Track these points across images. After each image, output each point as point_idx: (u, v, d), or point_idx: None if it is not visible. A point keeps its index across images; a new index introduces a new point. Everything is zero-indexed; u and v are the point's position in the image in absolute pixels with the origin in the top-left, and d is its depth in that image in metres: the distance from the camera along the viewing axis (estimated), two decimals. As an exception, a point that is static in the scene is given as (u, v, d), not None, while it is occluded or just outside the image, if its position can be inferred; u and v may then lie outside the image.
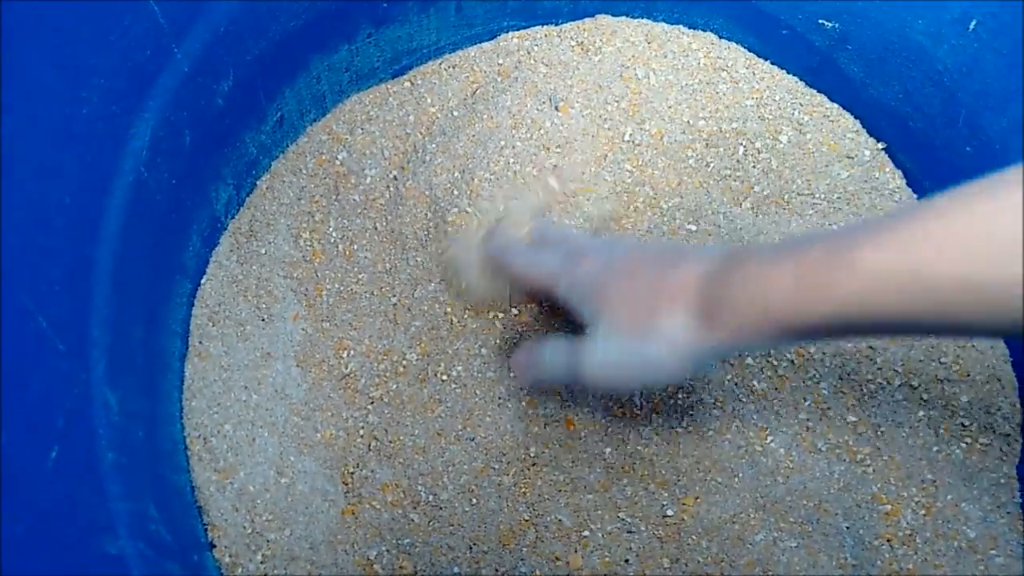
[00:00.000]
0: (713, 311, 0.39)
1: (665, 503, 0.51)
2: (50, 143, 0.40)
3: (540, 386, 0.52)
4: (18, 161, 0.38)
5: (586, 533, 0.50)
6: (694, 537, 0.51)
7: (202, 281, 0.56)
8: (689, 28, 0.64)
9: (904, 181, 0.60)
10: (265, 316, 0.55)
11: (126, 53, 0.44)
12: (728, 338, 0.39)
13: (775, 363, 0.55)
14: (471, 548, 0.50)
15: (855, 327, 0.35)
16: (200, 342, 0.54)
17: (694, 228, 0.57)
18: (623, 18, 0.64)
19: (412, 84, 0.62)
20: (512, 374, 0.52)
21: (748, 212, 0.58)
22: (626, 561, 0.50)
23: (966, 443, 0.53)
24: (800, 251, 0.36)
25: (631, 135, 0.59)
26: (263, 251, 0.57)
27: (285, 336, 0.55)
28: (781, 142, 0.60)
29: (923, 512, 0.52)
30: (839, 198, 0.59)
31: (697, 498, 0.51)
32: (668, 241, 0.47)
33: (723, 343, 0.39)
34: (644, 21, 0.64)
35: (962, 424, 0.54)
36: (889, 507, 0.52)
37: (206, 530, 0.49)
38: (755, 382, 0.54)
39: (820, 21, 0.60)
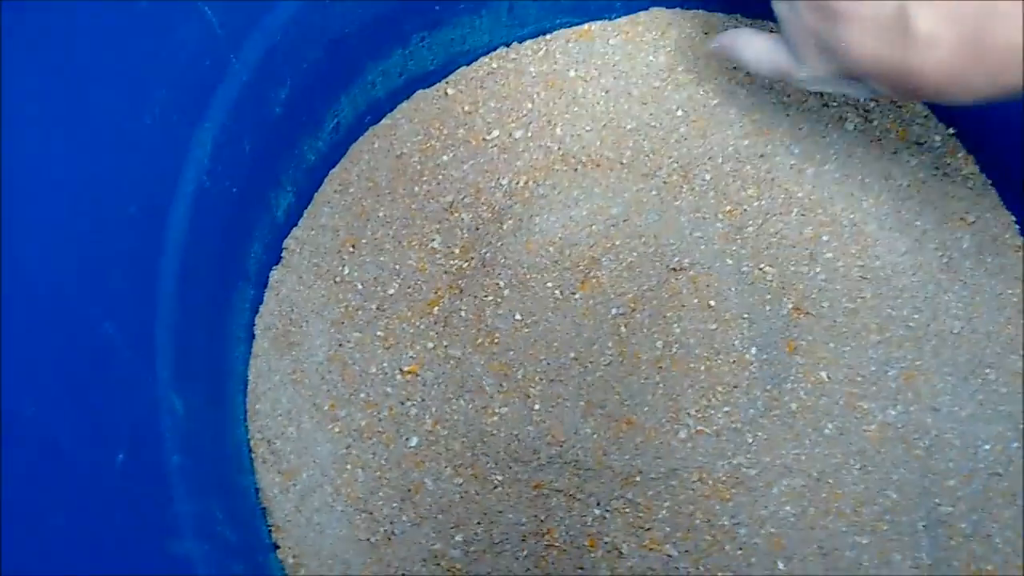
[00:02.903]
0: None
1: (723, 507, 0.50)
2: (114, 154, 0.42)
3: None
4: (84, 172, 0.39)
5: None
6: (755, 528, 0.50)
7: (266, 287, 0.57)
8: (746, 17, 0.63)
9: (978, 167, 0.58)
10: (329, 320, 0.55)
11: (185, 64, 0.45)
12: None
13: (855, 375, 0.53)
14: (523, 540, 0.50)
15: None
16: (264, 346, 0.55)
17: (759, 203, 0.57)
18: (677, 10, 0.63)
19: (467, 82, 0.62)
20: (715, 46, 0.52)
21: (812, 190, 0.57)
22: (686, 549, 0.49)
23: (1049, 439, 0.51)
24: None
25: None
26: (324, 256, 0.57)
27: (346, 340, 0.55)
28: (847, 129, 0.58)
29: (1005, 513, 0.50)
30: (909, 185, 0.57)
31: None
32: None
33: None
34: (699, 12, 0.62)
35: (1045, 419, 0.51)
36: (968, 507, 0.50)
37: (270, 531, 0.50)
38: (824, 373, 0.53)
39: (884, 4, 0.58)
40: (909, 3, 0.38)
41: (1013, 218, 0.56)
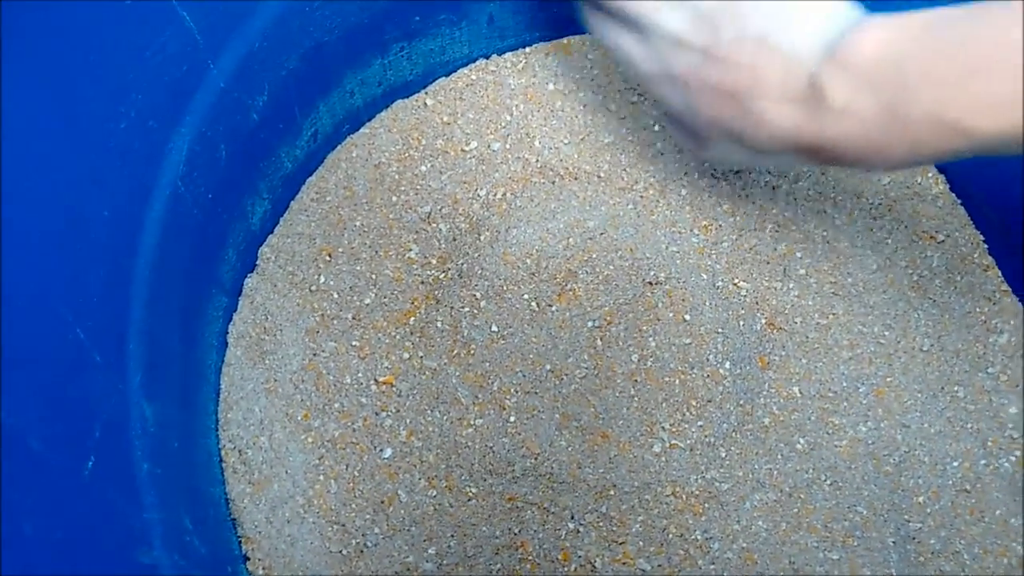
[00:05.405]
0: None
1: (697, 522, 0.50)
2: (88, 157, 0.41)
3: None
4: (57, 175, 0.39)
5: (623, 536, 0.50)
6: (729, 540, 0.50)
7: (241, 295, 0.56)
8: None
9: (947, 186, 0.59)
10: (304, 329, 0.55)
11: (163, 69, 0.45)
12: None
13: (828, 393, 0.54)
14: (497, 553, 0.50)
15: None
16: (237, 355, 0.54)
17: (734, 218, 0.57)
18: (656, 27, 0.63)
19: (446, 93, 0.62)
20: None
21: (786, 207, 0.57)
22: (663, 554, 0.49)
23: (1015, 456, 0.52)
24: None
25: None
26: (300, 265, 0.57)
27: (321, 350, 0.55)
28: (819, 149, 0.59)
29: (972, 529, 0.50)
30: (881, 204, 0.58)
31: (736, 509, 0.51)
32: None
33: None
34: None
35: (1011, 436, 0.52)
36: (936, 523, 0.50)
37: (240, 542, 0.49)
38: (796, 388, 0.53)
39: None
40: (821, 72, 0.37)
41: (982, 237, 0.57)
